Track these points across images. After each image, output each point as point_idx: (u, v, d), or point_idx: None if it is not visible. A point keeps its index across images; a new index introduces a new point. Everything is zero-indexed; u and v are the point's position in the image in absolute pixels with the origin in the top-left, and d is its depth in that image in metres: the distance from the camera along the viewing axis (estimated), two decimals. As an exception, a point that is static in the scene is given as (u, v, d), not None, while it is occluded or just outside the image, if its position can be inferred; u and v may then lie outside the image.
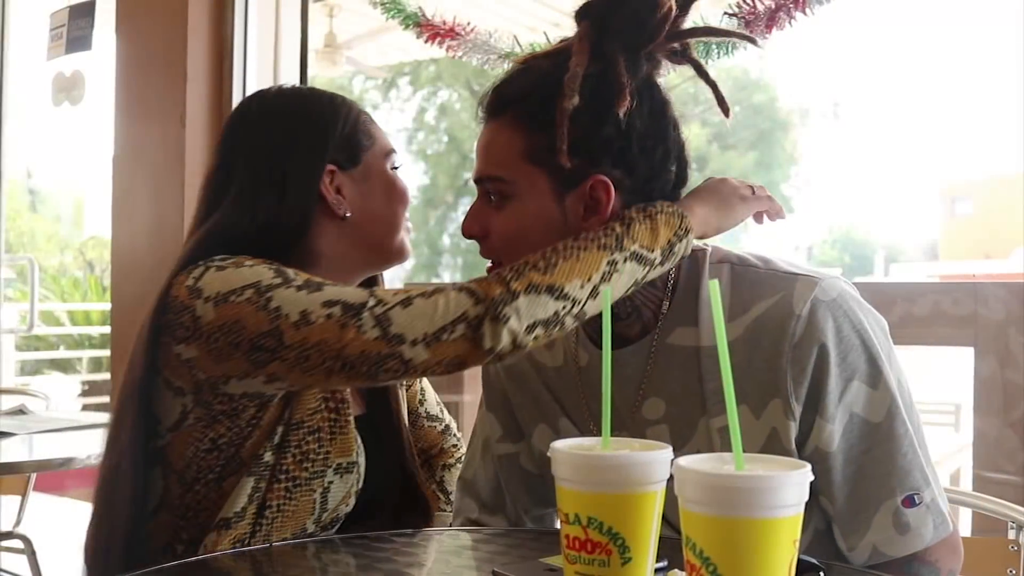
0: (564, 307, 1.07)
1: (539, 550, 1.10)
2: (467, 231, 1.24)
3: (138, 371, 1.23)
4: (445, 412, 1.61)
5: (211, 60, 3.08)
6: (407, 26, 2.43)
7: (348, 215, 1.31)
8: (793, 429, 1.16)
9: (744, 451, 1.20)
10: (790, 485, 0.72)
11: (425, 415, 1.56)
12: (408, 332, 1.07)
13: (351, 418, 1.27)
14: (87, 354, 9.11)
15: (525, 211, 1.19)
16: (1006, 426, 2.54)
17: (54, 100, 3.53)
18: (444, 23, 2.36)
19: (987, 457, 2.58)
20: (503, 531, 1.31)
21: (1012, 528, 1.50)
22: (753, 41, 1.27)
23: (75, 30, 3.40)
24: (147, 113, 3.14)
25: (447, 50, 2.39)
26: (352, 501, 1.28)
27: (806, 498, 0.74)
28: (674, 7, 1.17)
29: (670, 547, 0.91)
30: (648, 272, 1.13)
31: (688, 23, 1.24)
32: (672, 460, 0.79)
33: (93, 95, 3.49)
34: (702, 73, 1.25)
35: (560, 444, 0.85)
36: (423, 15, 2.40)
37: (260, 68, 3.12)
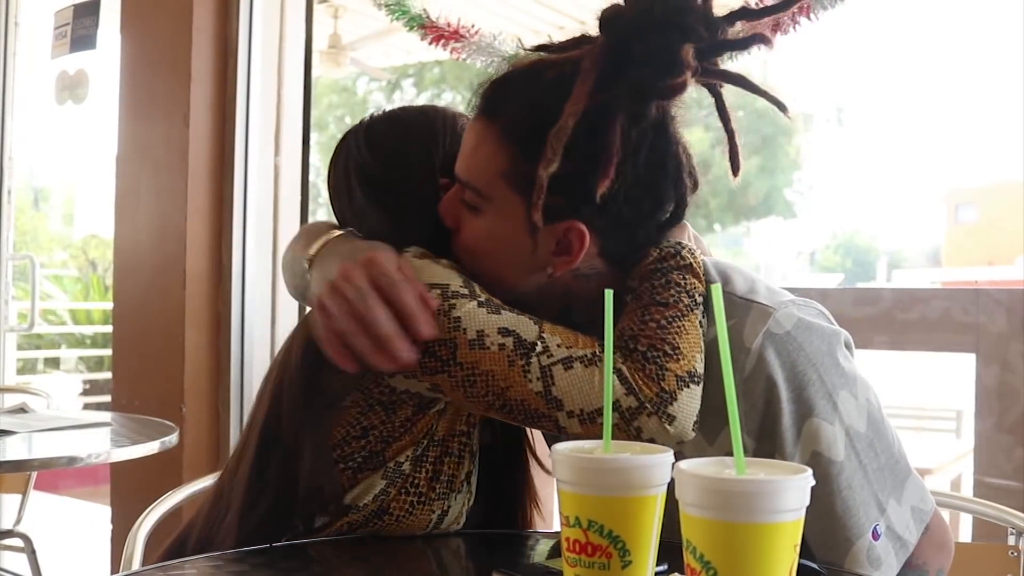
0: (702, 386, 1.11)
1: (540, 552, 1.10)
2: (443, 216, 1.22)
3: (302, 348, 1.22)
4: None
5: (215, 60, 3.08)
6: (411, 28, 2.43)
7: None
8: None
9: None
10: (791, 489, 0.72)
11: None
12: (566, 401, 1.08)
13: (475, 438, 1.25)
14: (89, 353, 9.11)
15: (496, 231, 1.16)
16: (1007, 432, 2.54)
17: (57, 99, 3.53)
18: (448, 25, 2.36)
19: (988, 463, 2.58)
20: (503, 532, 1.31)
21: (1012, 534, 1.49)
22: (784, 109, 1.14)
23: (80, 29, 3.40)
24: (151, 112, 3.15)
25: (451, 52, 2.38)
26: (463, 520, 1.25)
27: (807, 503, 0.74)
28: (694, 65, 1.07)
29: (670, 551, 0.91)
30: None
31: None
32: (673, 464, 0.79)
33: (97, 94, 3.49)
34: (721, 109, 1.17)
35: (561, 447, 0.85)
36: (427, 17, 2.40)
37: (264, 69, 3.13)
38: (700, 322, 1.14)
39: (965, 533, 3.32)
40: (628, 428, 1.07)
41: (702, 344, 1.12)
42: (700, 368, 1.11)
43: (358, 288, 1.08)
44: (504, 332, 1.10)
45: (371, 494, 1.19)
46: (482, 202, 1.16)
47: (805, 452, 1.12)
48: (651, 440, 1.07)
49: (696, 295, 1.14)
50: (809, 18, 1.93)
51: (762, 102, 1.17)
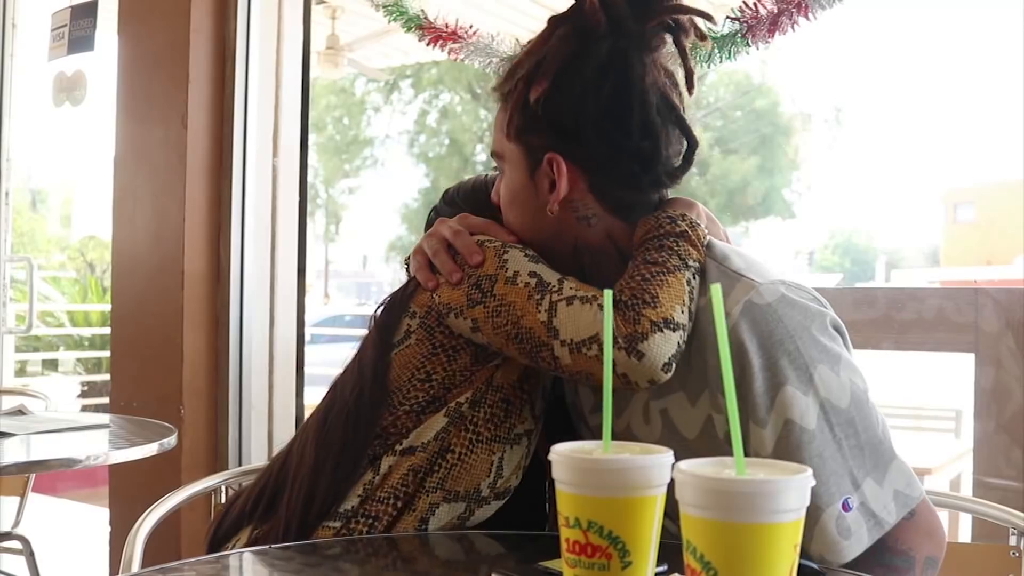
0: (681, 336, 1.19)
1: (539, 553, 1.10)
2: (493, 199, 1.40)
3: (390, 307, 1.37)
4: None
5: (213, 61, 3.08)
6: (409, 29, 2.43)
7: None
8: (722, 423, 1.20)
9: (679, 433, 1.24)
10: (791, 489, 0.72)
11: None
12: (562, 331, 1.20)
13: (537, 394, 1.35)
14: (87, 355, 9.11)
15: (511, 183, 1.34)
16: (1006, 432, 2.54)
17: (55, 100, 3.53)
18: (446, 26, 2.36)
19: (987, 463, 2.58)
20: (502, 533, 1.31)
21: (1013, 534, 1.49)
22: (710, 18, 1.32)
23: (77, 30, 3.40)
24: (149, 114, 3.14)
25: (449, 53, 2.39)
26: (520, 475, 1.34)
27: (807, 503, 0.73)
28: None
29: (670, 551, 0.91)
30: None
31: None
32: (673, 464, 0.79)
33: (94, 95, 3.48)
34: (677, 42, 1.29)
35: (560, 447, 0.85)
36: (425, 18, 2.40)
37: (262, 70, 3.12)
38: (689, 280, 1.22)
39: (965, 533, 3.31)
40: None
41: (686, 298, 1.21)
42: (679, 318, 1.19)
43: (439, 237, 1.34)
44: (532, 275, 1.25)
45: (434, 431, 1.29)
46: (501, 162, 1.35)
47: (778, 419, 1.16)
48: (624, 376, 1.17)
49: (689, 260, 1.24)
50: (807, 18, 1.93)
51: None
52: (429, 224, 1.54)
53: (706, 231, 1.29)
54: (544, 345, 1.21)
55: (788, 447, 1.16)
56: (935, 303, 2.75)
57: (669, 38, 1.29)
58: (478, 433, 1.30)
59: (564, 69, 1.26)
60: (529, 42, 1.34)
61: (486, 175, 1.56)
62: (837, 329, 1.24)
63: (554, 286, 1.23)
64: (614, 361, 1.16)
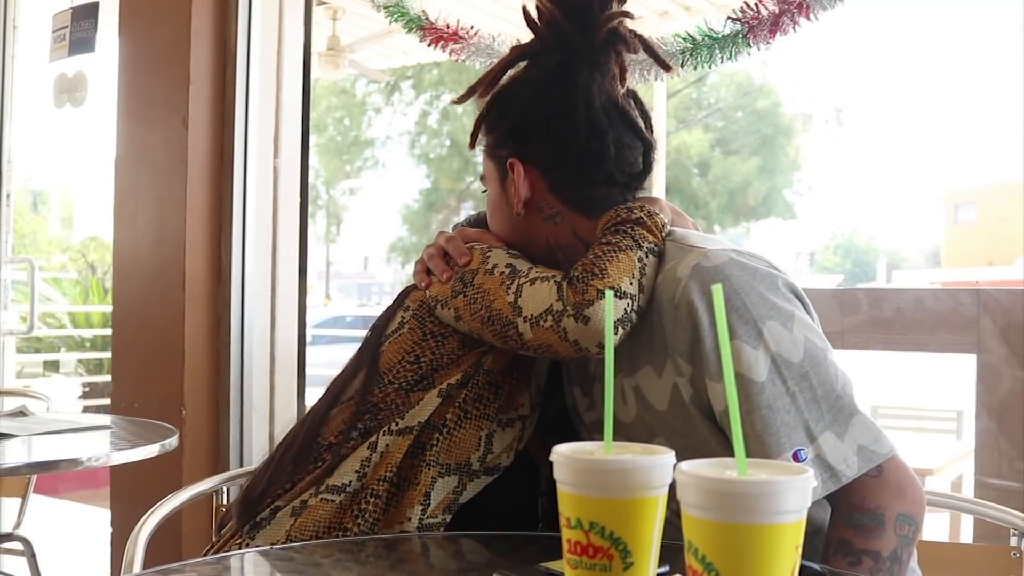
0: (628, 304, 1.25)
1: (540, 554, 1.10)
2: None
3: (388, 309, 1.46)
4: None
5: (214, 62, 3.08)
6: (410, 30, 2.43)
7: None
8: (685, 386, 1.24)
9: (652, 407, 1.25)
10: (793, 490, 0.72)
11: None
12: (524, 308, 1.27)
13: (529, 381, 1.40)
14: (89, 356, 9.11)
15: (491, 196, 1.44)
16: (1007, 433, 2.54)
17: (56, 102, 3.52)
18: (447, 27, 2.36)
19: (988, 463, 2.58)
20: (503, 535, 1.31)
21: (1014, 535, 1.49)
22: (629, 15, 1.38)
23: (78, 32, 3.39)
24: (150, 115, 3.14)
25: (450, 54, 2.39)
26: (512, 455, 1.39)
27: (809, 503, 0.73)
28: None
29: (672, 552, 0.91)
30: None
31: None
32: (675, 465, 0.79)
33: (95, 97, 3.48)
34: (647, 49, 1.39)
35: (562, 448, 0.85)
36: (426, 19, 2.40)
37: (263, 71, 3.12)
38: (641, 258, 1.29)
39: (966, 534, 3.32)
40: (558, 329, 1.24)
41: (636, 272, 1.27)
42: (627, 288, 1.26)
43: (436, 246, 1.44)
44: (508, 265, 1.34)
45: (428, 411, 1.35)
46: (484, 182, 1.45)
47: (730, 372, 1.16)
48: (576, 342, 1.24)
49: (643, 242, 1.30)
50: (809, 18, 1.93)
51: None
52: None
53: (667, 220, 1.35)
54: (511, 324, 1.28)
55: (741, 400, 1.18)
56: (937, 304, 2.76)
57: (628, 58, 1.38)
58: (466, 410, 1.36)
59: (516, 80, 1.38)
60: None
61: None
62: (795, 293, 1.28)
63: (523, 272, 1.32)
64: (565, 329, 1.23)
